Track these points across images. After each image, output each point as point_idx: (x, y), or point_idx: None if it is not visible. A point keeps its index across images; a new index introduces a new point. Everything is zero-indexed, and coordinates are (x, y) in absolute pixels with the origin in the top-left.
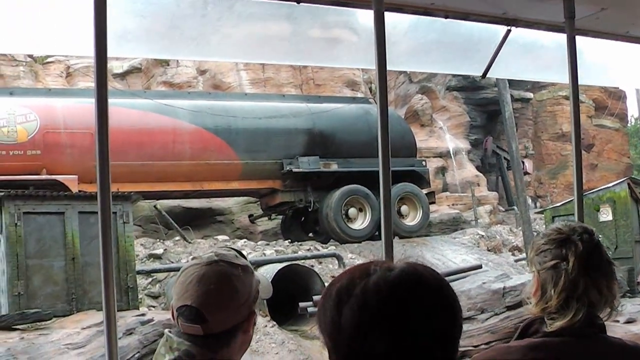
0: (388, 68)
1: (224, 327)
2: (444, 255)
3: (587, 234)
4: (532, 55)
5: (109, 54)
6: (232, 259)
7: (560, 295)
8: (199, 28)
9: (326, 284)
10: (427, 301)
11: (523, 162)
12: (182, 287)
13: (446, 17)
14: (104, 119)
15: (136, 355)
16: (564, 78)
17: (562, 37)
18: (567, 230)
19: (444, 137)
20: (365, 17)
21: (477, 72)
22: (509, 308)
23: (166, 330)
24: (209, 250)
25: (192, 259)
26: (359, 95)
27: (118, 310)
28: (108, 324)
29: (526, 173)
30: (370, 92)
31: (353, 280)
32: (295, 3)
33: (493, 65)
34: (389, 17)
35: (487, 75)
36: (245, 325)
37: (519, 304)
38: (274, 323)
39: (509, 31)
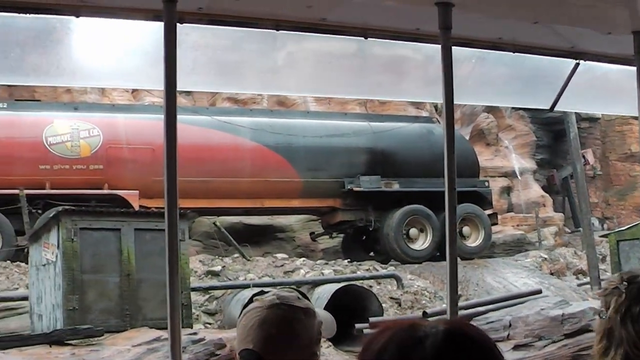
0: (455, 102)
1: None
2: (504, 278)
3: (634, 282)
4: (600, 88)
5: (180, 87)
6: (294, 301)
7: (600, 343)
8: (268, 62)
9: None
10: None
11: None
12: (244, 330)
13: (514, 52)
14: (172, 140)
15: None
16: (633, 111)
17: (631, 70)
18: (618, 278)
19: (510, 157)
20: (432, 51)
21: (544, 105)
22: (567, 336)
23: None
24: (266, 269)
25: (252, 301)
26: (424, 113)
27: (165, 328)
28: (173, 342)
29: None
30: (436, 110)
31: (403, 348)
32: (362, 38)
33: (561, 98)
34: (457, 51)
35: (555, 109)
36: None
37: (577, 332)
38: (330, 344)
39: (577, 64)
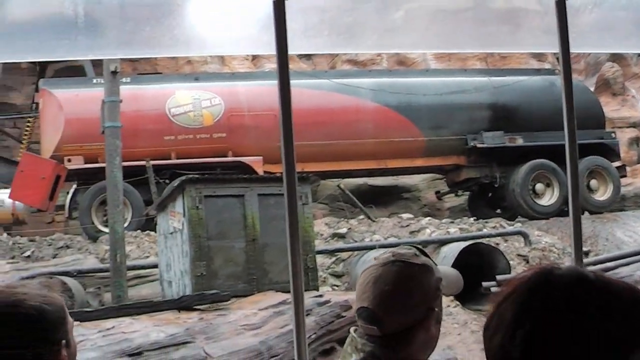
0: (574, 51)
1: (399, 328)
2: (635, 232)
3: None
4: None
5: (292, 51)
6: (410, 257)
7: None
8: (385, 21)
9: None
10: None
11: None
12: (360, 288)
13: None
14: (287, 103)
15: (312, 337)
16: None
17: None
18: None
19: (638, 106)
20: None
21: None
22: None
23: (351, 330)
24: (391, 229)
25: (374, 258)
26: (547, 66)
27: None
28: (296, 305)
29: None
30: (558, 62)
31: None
32: None
33: None
34: None
35: None
36: (425, 323)
37: None
38: (457, 303)
39: None
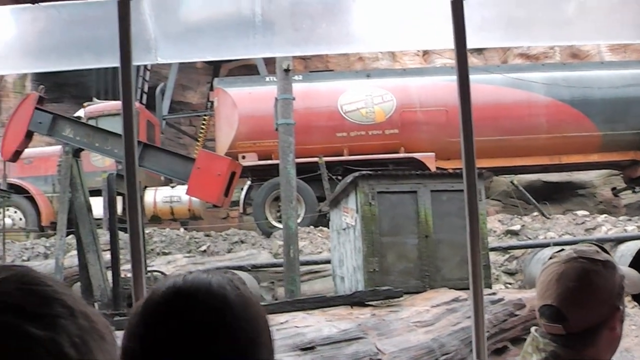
0: None
1: (585, 326)
2: None
3: None
4: None
5: (468, 46)
6: (593, 254)
7: None
8: (559, 13)
9: None
10: None
11: None
12: (543, 286)
13: None
14: (466, 99)
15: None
16: None
17: None
18: None
19: None
20: None
21: None
22: None
23: (532, 329)
24: (566, 227)
25: (550, 258)
26: None
27: (465, 288)
28: (475, 303)
29: None
30: None
31: None
32: None
33: None
34: None
35: None
36: (610, 322)
37: None
38: (635, 304)
39: None
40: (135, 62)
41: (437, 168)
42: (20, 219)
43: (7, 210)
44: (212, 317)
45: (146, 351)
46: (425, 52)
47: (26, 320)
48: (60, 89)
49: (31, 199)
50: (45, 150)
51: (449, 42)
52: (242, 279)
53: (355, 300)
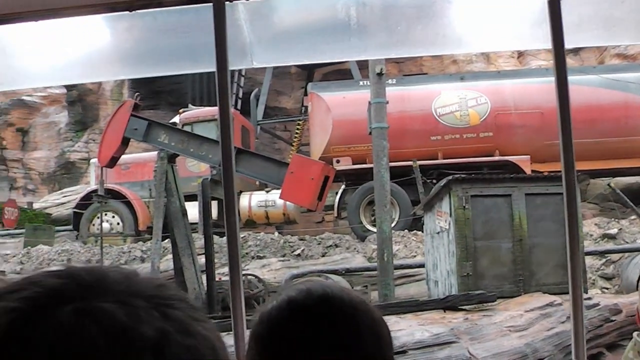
0: None
1: None
2: None
3: None
4: None
5: (567, 45)
6: None
7: None
8: None
9: None
10: None
11: None
12: None
13: None
14: (565, 99)
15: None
16: None
17: None
18: None
19: None
20: None
21: None
22: None
23: (635, 334)
24: None
25: None
26: None
27: (559, 293)
28: (575, 309)
29: None
30: None
31: None
32: None
33: None
34: None
35: None
36: None
37: None
38: None
39: None
40: (231, 67)
41: (532, 171)
42: (118, 223)
43: (106, 215)
44: (352, 318)
45: (298, 351)
46: (520, 54)
47: None
48: (156, 96)
49: (129, 204)
50: (141, 156)
51: (546, 42)
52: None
53: (448, 305)
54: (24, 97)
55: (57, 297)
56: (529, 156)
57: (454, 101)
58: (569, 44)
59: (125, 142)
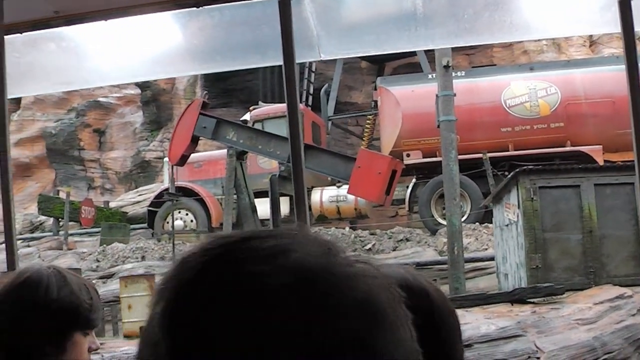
0: None
1: None
2: None
3: None
4: None
5: (638, 29)
6: None
7: None
8: None
9: None
10: None
11: None
12: None
13: None
14: (635, 86)
15: None
16: None
17: None
18: None
19: None
20: None
21: None
22: None
23: None
24: None
25: None
26: None
27: (631, 285)
28: None
29: None
30: None
31: None
32: None
33: None
34: None
35: None
36: None
37: None
38: None
39: None
40: (298, 60)
41: (605, 161)
42: (192, 220)
43: (179, 212)
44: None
45: None
46: (592, 43)
47: None
48: (228, 94)
49: (201, 202)
50: (213, 154)
51: (616, 26)
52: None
53: (515, 298)
54: (100, 99)
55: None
56: (600, 146)
57: (524, 92)
58: (639, 28)
59: (194, 140)
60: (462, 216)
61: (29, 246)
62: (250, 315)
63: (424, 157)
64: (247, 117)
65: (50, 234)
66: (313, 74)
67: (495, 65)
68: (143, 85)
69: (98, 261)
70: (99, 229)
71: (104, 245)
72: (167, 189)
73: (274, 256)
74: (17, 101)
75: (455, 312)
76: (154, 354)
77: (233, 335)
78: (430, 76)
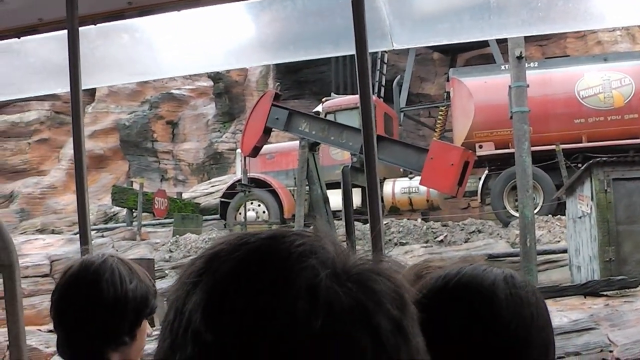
0: None
1: None
2: None
3: None
4: None
5: None
6: None
7: None
8: None
9: None
10: None
11: None
12: None
13: None
14: None
15: None
16: None
17: None
18: None
19: None
20: None
21: None
22: None
23: None
24: None
25: None
26: None
27: None
28: None
29: None
30: None
31: None
32: None
33: None
34: None
35: None
36: None
37: None
38: None
39: None
40: (371, 49)
41: None
42: (264, 212)
43: (252, 203)
44: (473, 313)
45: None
46: None
47: None
48: (301, 86)
49: (274, 193)
50: (285, 146)
51: None
52: (524, 278)
53: (588, 290)
54: (173, 91)
55: None
56: None
57: (598, 83)
58: None
59: (267, 131)
60: (535, 208)
61: (102, 236)
62: (300, 308)
63: (496, 149)
64: (319, 108)
65: (124, 224)
66: (385, 66)
67: (568, 56)
68: (215, 77)
69: (171, 251)
70: (172, 219)
71: (177, 236)
72: (239, 180)
73: (309, 253)
74: (92, 94)
75: (535, 318)
76: (196, 343)
77: (279, 325)
78: (502, 67)
